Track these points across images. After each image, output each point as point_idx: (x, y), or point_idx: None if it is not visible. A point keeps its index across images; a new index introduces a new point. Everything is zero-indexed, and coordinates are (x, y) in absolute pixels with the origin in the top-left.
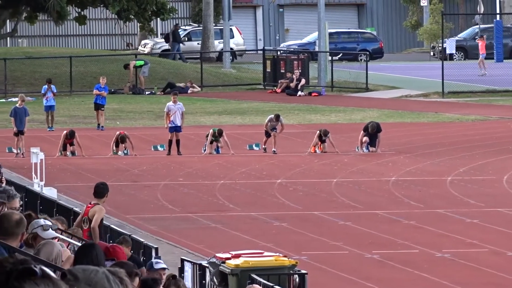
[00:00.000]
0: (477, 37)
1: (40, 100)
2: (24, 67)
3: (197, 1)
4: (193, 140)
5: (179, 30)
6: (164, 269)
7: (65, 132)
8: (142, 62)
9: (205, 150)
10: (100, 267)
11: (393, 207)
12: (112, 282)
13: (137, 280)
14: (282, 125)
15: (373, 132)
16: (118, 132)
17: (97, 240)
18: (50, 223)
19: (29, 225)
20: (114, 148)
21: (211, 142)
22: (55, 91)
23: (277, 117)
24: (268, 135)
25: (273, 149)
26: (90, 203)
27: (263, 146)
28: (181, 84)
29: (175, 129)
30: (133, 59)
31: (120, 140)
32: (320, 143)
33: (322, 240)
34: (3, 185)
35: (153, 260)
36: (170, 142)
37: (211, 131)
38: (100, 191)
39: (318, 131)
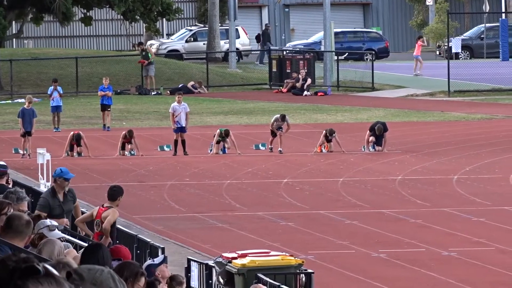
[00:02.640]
0: (482, 36)
1: (47, 101)
2: (30, 68)
3: (202, 2)
4: (199, 140)
5: (268, 31)
6: (162, 263)
7: (72, 133)
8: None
9: (211, 150)
10: (105, 267)
11: (399, 206)
12: (118, 281)
13: (143, 280)
14: (288, 124)
15: (379, 134)
16: (124, 132)
17: (108, 241)
18: (56, 224)
19: (36, 225)
20: (121, 149)
21: (218, 142)
22: (61, 92)
23: (283, 117)
24: (274, 134)
25: (279, 149)
26: (102, 206)
27: (270, 146)
28: (190, 84)
29: (180, 129)
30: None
31: (128, 134)
32: (326, 142)
33: (328, 239)
34: (10, 186)
35: (150, 261)
36: (176, 142)
37: (218, 131)
38: (113, 193)
39: (324, 131)
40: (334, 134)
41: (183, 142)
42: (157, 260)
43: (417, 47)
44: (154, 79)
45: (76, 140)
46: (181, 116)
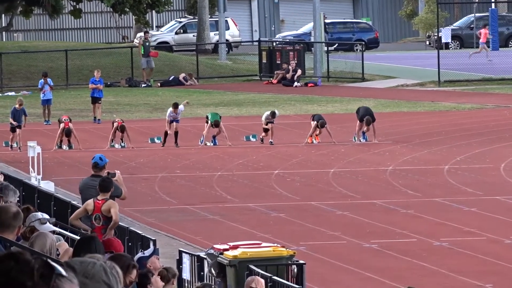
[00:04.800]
0: (472, 25)
1: (37, 94)
2: (20, 61)
3: None
4: (190, 132)
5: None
6: (152, 255)
7: (62, 126)
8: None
9: (202, 142)
10: (98, 260)
11: (390, 196)
12: (109, 274)
13: (134, 272)
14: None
15: (368, 125)
16: (116, 123)
17: (112, 233)
18: (47, 217)
19: (27, 218)
20: (113, 138)
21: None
22: (51, 84)
23: (273, 114)
24: (266, 130)
25: (270, 140)
26: (97, 199)
27: (261, 137)
28: (182, 76)
29: (174, 121)
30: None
31: (120, 129)
32: (317, 130)
33: (320, 230)
34: (1, 179)
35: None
36: (166, 133)
37: (209, 118)
38: (106, 185)
39: (313, 120)
40: (325, 126)
41: (176, 133)
42: (147, 252)
43: (483, 35)
44: (152, 71)
45: (67, 135)
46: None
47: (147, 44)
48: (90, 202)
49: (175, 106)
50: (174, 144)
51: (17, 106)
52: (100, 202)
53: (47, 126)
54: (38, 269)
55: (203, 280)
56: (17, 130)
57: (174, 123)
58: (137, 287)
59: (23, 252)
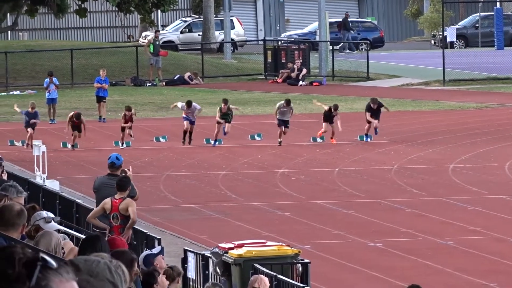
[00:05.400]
0: (477, 25)
1: (42, 93)
2: (25, 60)
3: None
4: (195, 131)
5: (349, 19)
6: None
7: (71, 114)
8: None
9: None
10: (103, 258)
11: (395, 195)
12: (114, 272)
13: (136, 265)
14: (292, 109)
15: (375, 107)
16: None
17: (130, 233)
18: (52, 215)
19: (32, 217)
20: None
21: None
22: (57, 83)
23: (288, 102)
24: (280, 125)
25: (279, 140)
26: (115, 198)
27: (279, 140)
28: (187, 75)
29: (189, 121)
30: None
31: (76, 117)
32: (327, 123)
33: (324, 229)
34: (5, 177)
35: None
36: (185, 132)
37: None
38: (123, 184)
39: (327, 107)
40: (338, 110)
41: (190, 134)
42: (155, 250)
43: None
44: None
45: (77, 118)
46: (190, 115)
47: (157, 43)
48: (107, 201)
49: (189, 104)
50: (188, 142)
51: (29, 109)
52: (117, 201)
53: (52, 125)
54: (22, 259)
55: (208, 280)
56: (29, 129)
57: (190, 123)
58: (142, 286)
59: (13, 245)
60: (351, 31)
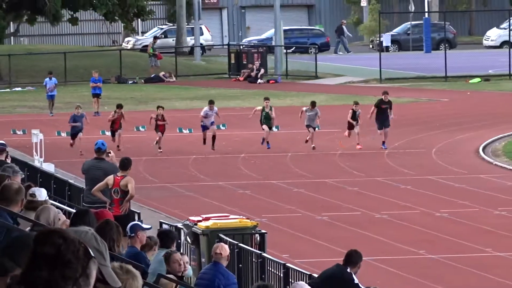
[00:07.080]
0: (409, 32)
1: (40, 89)
2: (26, 61)
3: (171, 4)
4: (169, 121)
5: (343, 26)
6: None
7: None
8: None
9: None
10: (90, 229)
11: (339, 176)
12: (100, 241)
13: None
14: (318, 115)
15: (387, 99)
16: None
17: (128, 205)
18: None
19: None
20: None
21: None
22: (56, 82)
23: (313, 104)
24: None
25: (312, 145)
26: (117, 176)
27: (312, 145)
28: (161, 74)
29: (206, 128)
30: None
31: (117, 107)
32: (352, 122)
33: (279, 204)
34: (9, 162)
35: (138, 222)
36: (204, 140)
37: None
38: (125, 164)
39: (352, 109)
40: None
41: (213, 137)
42: (144, 225)
43: None
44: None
45: (118, 108)
46: (209, 120)
47: (154, 47)
48: (111, 177)
49: (211, 102)
50: (211, 147)
51: (75, 112)
52: (119, 178)
53: (50, 117)
54: (81, 250)
55: (180, 248)
56: (79, 134)
57: (210, 126)
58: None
59: (65, 231)
60: (344, 37)
